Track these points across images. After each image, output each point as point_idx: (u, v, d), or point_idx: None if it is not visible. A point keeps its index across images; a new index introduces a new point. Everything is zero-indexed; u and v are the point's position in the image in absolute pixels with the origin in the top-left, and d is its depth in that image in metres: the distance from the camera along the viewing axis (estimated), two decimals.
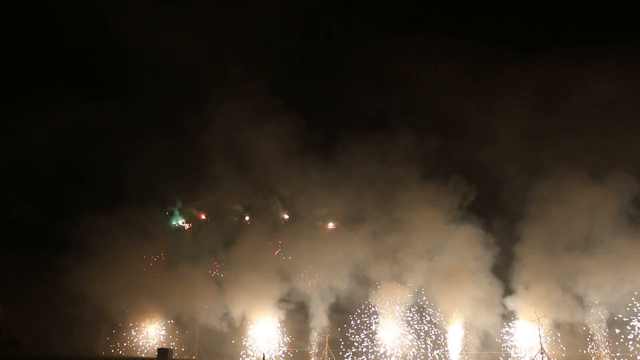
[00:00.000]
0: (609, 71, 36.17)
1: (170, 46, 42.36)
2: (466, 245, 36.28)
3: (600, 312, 33.56)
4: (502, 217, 36.96)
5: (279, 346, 36.01)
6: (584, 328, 33.85)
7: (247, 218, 39.14)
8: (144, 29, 41.05)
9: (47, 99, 39.38)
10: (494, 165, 38.71)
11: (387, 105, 42.66)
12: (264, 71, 42.29)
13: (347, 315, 36.82)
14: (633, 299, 33.39)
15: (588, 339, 33.66)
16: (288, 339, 36.23)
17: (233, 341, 36.44)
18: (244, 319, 36.31)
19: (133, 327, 36.15)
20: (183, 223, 39.50)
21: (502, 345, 34.70)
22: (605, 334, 33.40)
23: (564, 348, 33.63)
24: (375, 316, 36.17)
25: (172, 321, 37.15)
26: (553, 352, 33.50)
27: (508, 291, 35.06)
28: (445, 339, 35.35)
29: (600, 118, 36.69)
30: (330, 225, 39.38)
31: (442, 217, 37.11)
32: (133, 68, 42.16)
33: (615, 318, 33.55)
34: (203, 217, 39.57)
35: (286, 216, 39.83)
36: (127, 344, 36.21)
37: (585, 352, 33.48)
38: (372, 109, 43.14)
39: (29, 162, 39.29)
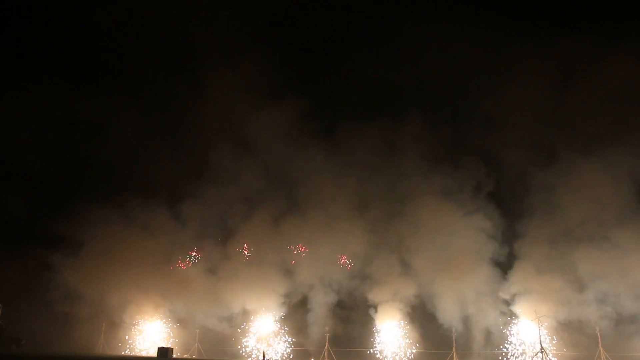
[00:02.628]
0: (629, 60, 34.62)
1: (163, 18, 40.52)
2: (469, 238, 35.57)
3: (606, 309, 32.86)
4: (506, 211, 36.10)
5: (279, 344, 35.66)
6: (588, 325, 33.15)
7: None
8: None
9: (37, 91, 38.31)
10: (502, 152, 37.75)
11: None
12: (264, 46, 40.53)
13: (349, 311, 36.46)
14: None
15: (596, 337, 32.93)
16: (288, 336, 35.81)
17: (233, 339, 36.12)
18: (244, 317, 35.91)
19: (133, 325, 35.82)
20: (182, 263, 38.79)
21: (504, 343, 34.23)
22: (610, 331, 32.78)
23: (568, 345, 33.09)
24: (375, 311, 35.67)
25: (163, 318, 36.73)
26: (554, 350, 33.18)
27: (510, 287, 34.39)
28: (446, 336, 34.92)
29: (617, 108, 35.49)
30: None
31: (448, 208, 36.22)
32: (128, 54, 40.74)
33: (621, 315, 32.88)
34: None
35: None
36: (129, 342, 36.06)
37: (589, 350, 32.86)
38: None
39: (21, 156, 38.51)
